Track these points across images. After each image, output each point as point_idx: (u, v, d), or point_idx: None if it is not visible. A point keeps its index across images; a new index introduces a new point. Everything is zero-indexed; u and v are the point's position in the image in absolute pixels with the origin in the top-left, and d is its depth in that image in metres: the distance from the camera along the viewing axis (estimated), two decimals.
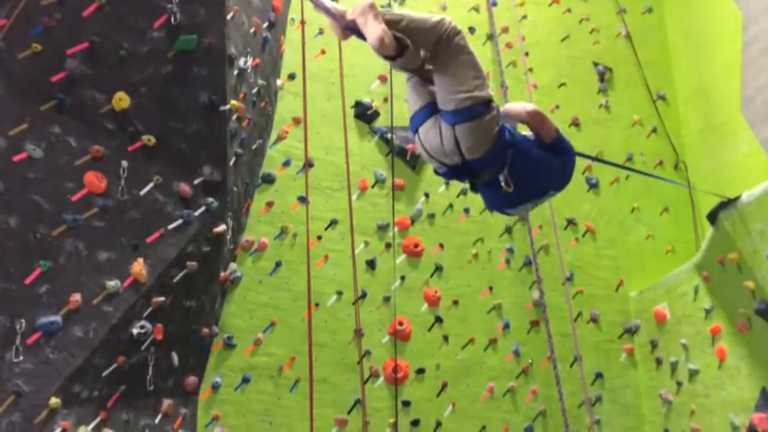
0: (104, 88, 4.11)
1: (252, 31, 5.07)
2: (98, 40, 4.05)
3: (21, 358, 3.59)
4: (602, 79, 7.57)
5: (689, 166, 7.46)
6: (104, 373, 3.94)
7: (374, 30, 2.62)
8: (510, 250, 6.43)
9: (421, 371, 5.70)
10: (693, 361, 6.05)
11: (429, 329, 5.87)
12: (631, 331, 6.68)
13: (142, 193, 4.26)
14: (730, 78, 6.81)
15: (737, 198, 5.42)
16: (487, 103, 2.73)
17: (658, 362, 6.40)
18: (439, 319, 5.92)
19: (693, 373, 6.02)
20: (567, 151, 3.12)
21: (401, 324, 5.70)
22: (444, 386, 5.77)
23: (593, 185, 7.06)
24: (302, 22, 5.99)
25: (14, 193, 3.71)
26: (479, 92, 2.70)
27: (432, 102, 2.82)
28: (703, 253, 6.01)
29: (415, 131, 2.90)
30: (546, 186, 3.11)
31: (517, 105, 3.11)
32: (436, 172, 3.03)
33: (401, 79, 6.43)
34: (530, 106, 3.04)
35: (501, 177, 2.87)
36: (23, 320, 3.63)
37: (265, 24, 5.40)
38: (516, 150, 2.86)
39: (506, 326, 6.17)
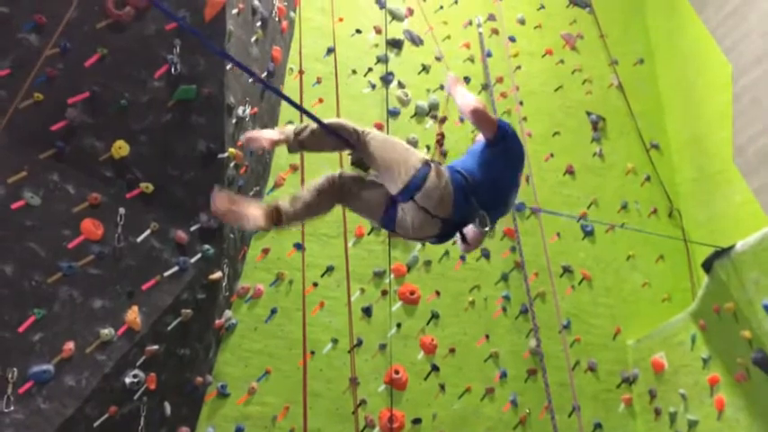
0: (104, 136, 4.17)
1: (250, 80, 5.16)
2: (99, 90, 4.13)
3: (12, 408, 3.54)
4: (595, 128, 7.68)
5: (683, 214, 7.50)
6: (95, 424, 3.87)
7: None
8: (506, 298, 6.41)
9: (417, 421, 5.62)
10: (692, 411, 5.97)
11: (425, 378, 5.81)
12: (629, 381, 6.61)
13: (139, 240, 4.27)
14: (722, 128, 6.92)
15: (732, 247, 5.45)
16: (423, 165, 2.90)
17: (657, 412, 6.32)
18: (435, 368, 5.86)
19: (693, 424, 5.94)
20: (506, 133, 3.15)
21: (397, 372, 5.64)
22: None
23: (588, 233, 7.09)
24: (300, 72, 6.11)
25: (11, 240, 3.72)
26: (409, 164, 2.89)
27: (387, 198, 3.01)
28: (699, 302, 6.00)
29: (394, 230, 3.07)
30: (512, 183, 3.20)
31: (463, 99, 3.19)
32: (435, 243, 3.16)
33: (399, 125, 6.52)
34: (472, 105, 3.11)
35: (477, 220, 2.98)
36: (15, 369, 3.59)
37: (264, 74, 5.50)
38: (475, 188, 2.97)
39: (503, 375, 6.11)
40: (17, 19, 3.89)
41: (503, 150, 3.11)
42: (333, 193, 3.04)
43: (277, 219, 2.91)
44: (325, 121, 2.97)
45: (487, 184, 3.01)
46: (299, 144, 3.08)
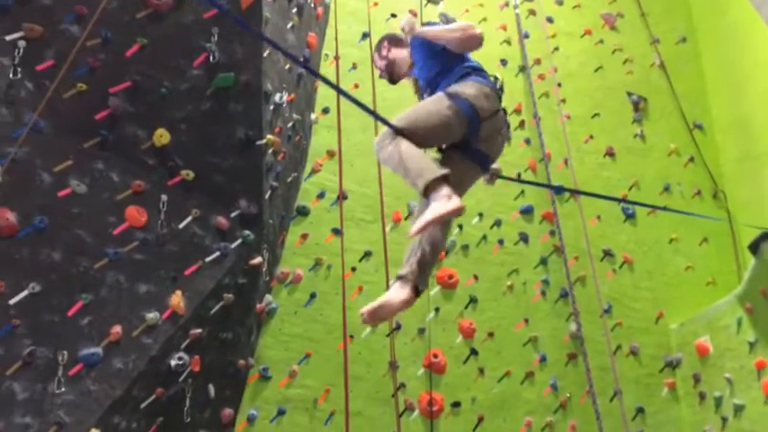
0: (146, 125, 4.24)
1: (287, 67, 5.19)
2: (140, 79, 4.20)
3: (62, 389, 3.65)
4: (636, 109, 7.52)
5: (728, 196, 7.32)
6: (143, 405, 3.98)
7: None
8: (545, 282, 6.35)
9: (456, 404, 5.63)
10: (738, 396, 5.86)
11: (464, 362, 5.81)
12: (673, 365, 6.50)
13: (181, 226, 4.34)
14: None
15: None
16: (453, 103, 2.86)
17: (702, 397, 6.21)
18: (474, 352, 5.85)
19: (739, 409, 5.82)
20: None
21: (436, 356, 5.65)
22: (480, 420, 5.68)
23: (629, 216, 6.97)
24: (336, 58, 6.11)
25: (59, 227, 3.82)
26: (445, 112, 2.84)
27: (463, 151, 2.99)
28: (745, 284, 5.86)
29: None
30: None
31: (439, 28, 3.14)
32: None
33: None
34: (460, 32, 3.08)
35: None
36: (65, 352, 3.70)
37: (300, 60, 5.52)
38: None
39: (543, 359, 6.07)
40: (59, 10, 3.98)
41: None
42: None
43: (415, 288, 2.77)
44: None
45: None
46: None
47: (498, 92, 3.05)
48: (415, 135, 2.73)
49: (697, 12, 8.27)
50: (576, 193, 4.54)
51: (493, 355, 5.93)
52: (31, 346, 3.61)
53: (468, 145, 2.96)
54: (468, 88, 2.92)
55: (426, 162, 2.64)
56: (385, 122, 2.80)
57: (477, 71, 3.07)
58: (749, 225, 6.21)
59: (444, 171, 2.57)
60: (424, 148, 2.77)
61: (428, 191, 2.55)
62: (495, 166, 3.32)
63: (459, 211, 2.51)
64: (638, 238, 6.94)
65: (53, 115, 3.89)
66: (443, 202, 2.50)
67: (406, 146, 2.70)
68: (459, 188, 2.90)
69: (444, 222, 2.82)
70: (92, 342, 3.82)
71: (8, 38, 3.80)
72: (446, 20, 3.22)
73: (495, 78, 3.09)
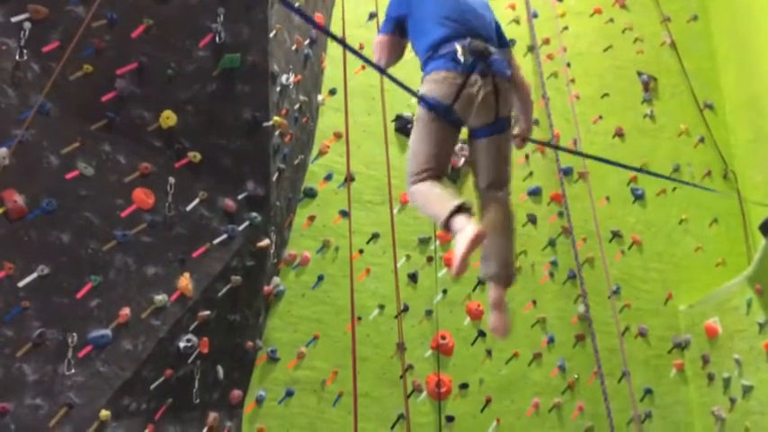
0: (152, 107, 4.23)
1: (294, 48, 5.15)
2: (146, 60, 4.17)
3: (72, 371, 3.68)
4: (646, 89, 7.44)
5: (738, 177, 7.25)
6: (152, 386, 4.01)
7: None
8: (553, 263, 6.33)
9: (464, 386, 5.64)
10: (747, 377, 5.84)
11: (472, 344, 5.82)
12: (681, 346, 6.49)
13: (188, 208, 4.34)
14: None
15: None
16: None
17: (710, 378, 6.20)
18: (482, 333, 5.85)
19: (747, 390, 5.81)
20: None
21: (444, 338, 5.66)
22: (488, 402, 5.70)
23: (638, 197, 6.93)
24: (343, 38, 6.05)
25: (67, 209, 3.83)
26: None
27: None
28: (756, 265, 5.82)
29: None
30: None
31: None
32: None
33: None
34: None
35: None
36: (75, 334, 3.72)
37: (307, 41, 5.48)
38: None
39: (551, 340, 6.07)
40: None
41: None
42: None
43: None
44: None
45: None
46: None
47: (459, 61, 2.94)
48: (428, 166, 2.91)
49: None
50: (598, 159, 4.52)
51: None
52: (40, 328, 3.63)
53: (467, 127, 3.04)
54: (424, 86, 3.01)
55: (440, 199, 2.75)
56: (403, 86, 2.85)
57: (433, 57, 3.02)
58: (759, 203, 6.16)
59: (456, 203, 2.65)
60: (446, 166, 2.97)
61: (448, 227, 2.67)
62: (517, 130, 3.35)
63: (478, 239, 2.57)
64: (648, 220, 6.90)
65: (60, 97, 3.87)
66: (460, 236, 2.59)
67: (420, 188, 2.90)
68: (490, 167, 3.05)
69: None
70: (101, 324, 3.84)
71: (14, 19, 3.77)
72: None
73: (456, 51, 2.97)
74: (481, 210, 3.06)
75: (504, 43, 3.27)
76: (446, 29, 3.03)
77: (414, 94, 3.03)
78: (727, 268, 6.80)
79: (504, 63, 3.06)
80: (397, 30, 3.26)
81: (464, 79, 2.90)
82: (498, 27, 3.29)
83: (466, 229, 2.58)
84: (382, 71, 3.13)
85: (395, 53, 3.35)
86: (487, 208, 3.05)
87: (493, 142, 3.06)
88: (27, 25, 3.81)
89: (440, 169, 2.95)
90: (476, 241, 2.57)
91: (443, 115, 2.94)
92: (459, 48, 2.93)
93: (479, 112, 2.96)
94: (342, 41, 2.92)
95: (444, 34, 3.02)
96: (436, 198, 2.80)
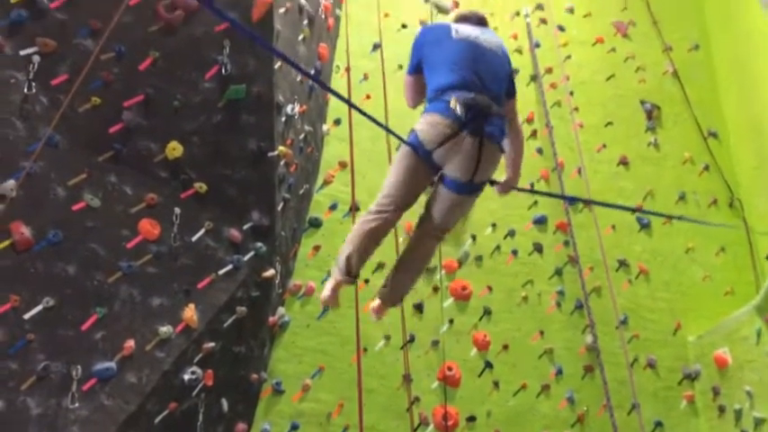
0: (158, 138, 4.24)
1: (299, 79, 5.18)
2: (153, 92, 4.20)
3: (77, 405, 3.62)
4: (649, 117, 7.47)
5: (744, 205, 7.23)
6: (156, 420, 3.94)
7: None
8: (560, 293, 6.29)
9: (472, 419, 5.56)
10: (759, 409, 5.75)
11: (479, 375, 5.75)
12: (691, 377, 6.40)
13: (194, 239, 4.33)
14: None
15: None
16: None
17: (721, 410, 6.10)
18: (489, 365, 5.79)
19: (759, 422, 5.72)
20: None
21: (450, 369, 5.59)
22: None
23: (644, 225, 6.91)
24: (347, 69, 6.11)
25: (73, 241, 3.81)
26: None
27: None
28: (764, 294, 5.78)
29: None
30: None
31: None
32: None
33: None
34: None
35: None
36: (79, 367, 3.67)
37: (312, 71, 5.52)
38: None
39: (559, 371, 5.99)
40: (73, 25, 3.99)
41: None
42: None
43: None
44: None
45: None
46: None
47: (453, 115, 2.97)
48: (391, 198, 3.12)
49: (709, 19, 8.22)
50: (589, 203, 4.59)
51: (508, 368, 5.86)
52: (45, 360, 3.59)
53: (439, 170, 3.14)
54: (418, 123, 3.10)
55: (344, 263, 3.18)
56: (395, 135, 2.93)
57: (437, 99, 3.07)
58: (765, 233, 6.13)
59: (340, 278, 3.22)
60: (409, 200, 3.17)
61: (332, 274, 3.28)
62: (504, 178, 3.46)
63: (323, 300, 3.40)
64: (654, 248, 6.87)
65: (68, 129, 3.89)
66: (326, 286, 3.39)
67: (365, 220, 3.19)
68: (443, 217, 3.27)
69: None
70: (105, 356, 3.79)
71: (22, 53, 3.81)
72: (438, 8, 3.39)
73: (454, 101, 3.00)
74: (411, 243, 3.38)
75: (511, 94, 3.33)
76: (455, 76, 3.06)
77: (396, 136, 3.15)
78: (736, 297, 6.74)
79: (502, 128, 3.09)
80: (420, 70, 3.32)
81: (455, 131, 2.94)
82: (511, 77, 3.36)
83: (326, 289, 3.35)
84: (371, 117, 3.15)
85: (420, 92, 3.40)
86: (416, 244, 3.37)
87: (456, 199, 3.18)
88: (36, 58, 3.84)
89: (401, 203, 3.14)
90: (329, 300, 3.35)
91: (421, 157, 3.03)
92: (454, 101, 2.97)
93: (456, 167, 3.02)
94: (340, 95, 2.98)
95: (452, 81, 3.05)
96: (348, 252, 3.16)
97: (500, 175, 3.37)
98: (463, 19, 3.48)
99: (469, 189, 3.13)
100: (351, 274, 3.16)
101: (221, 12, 2.41)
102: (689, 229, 6.97)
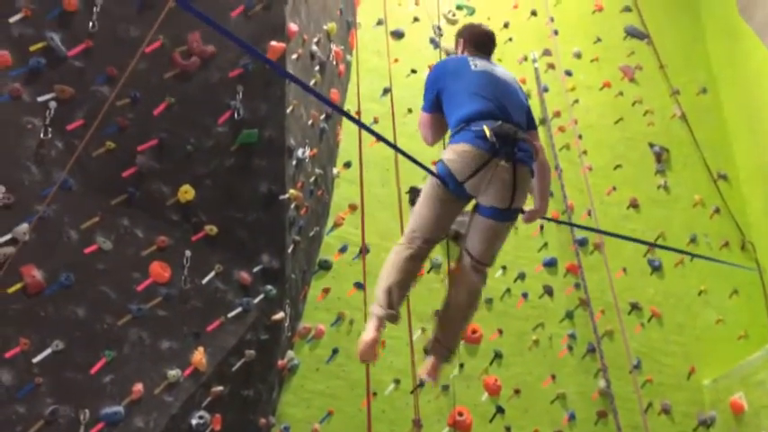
0: (171, 181, 4.29)
1: (310, 122, 5.26)
2: (167, 137, 4.26)
3: None
4: (659, 160, 7.50)
5: (756, 247, 7.19)
6: None
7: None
8: (572, 336, 6.22)
9: None
10: None
11: (490, 420, 5.65)
12: (707, 423, 6.27)
13: (204, 281, 4.34)
14: None
15: None
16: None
17: None
18: (500, 410, 5.70)
19: None
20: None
21: (461, 414, 5.51)
22: None
23: (656, 268, 6.86)
24: (358, 113, 6.19)
25: (84, 284, 3.83)
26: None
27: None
28: None
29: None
30: None
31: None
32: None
33: None
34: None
35: None
36: (87, 411, 3.65)
37: (322, 116, 5.60)
38: None
39: (572, 417, 5.89)
40: (90, 72, 4.08)
41: None
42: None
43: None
44: None
45: None
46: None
47: (483, 144, 3.00)
48: (422, 230, 3.10)
49: (716, 62, 8.32)
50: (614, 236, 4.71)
51: (520, 413, 5.76)
52: (53, 404, 3.57)
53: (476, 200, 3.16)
54: (446, 153, 3.11)
55: (384, 296, 3.05)
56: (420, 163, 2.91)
57: (464, 129, 3.09)
58: None
59: (383, 314, 3.03)
60: (439, 233, 3.17)
61: (372, 310, 3.05)
62: (531, 208, 3.44)
63: (361, 349, 3.07)
64: (666, 291, 6.81)
65: (82, 174, 3.94)
66: (363, 336, 3.08)
67: (398, 251, 3.15)
68: (483, 246, 3.18)
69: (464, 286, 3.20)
70: (113, 400, 3.77)
71: (40, 99, 3.89)
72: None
73: (487, 130, 3.02)
74: (455, 277, 3.21)
75: (532, 126, 3.35)
76: (480, 104, 3.10)
77: (425, 168, 3.11)
78: (750, 341, 6.66)
79: (530, 153, 3.11)
80: (437, 107, 3.35)
81: (486, 159, 2.95)
82: (529, 110, 3.40)
83: (368, 330, 3.06)
84: (394, 146, 3.19)
85: (439, 129, 3.45)
86: (461, 282, 3.20)
87: (495, 227, 3.15)
88: (53, 104, 3.92)
89: (432, 234, 3.11)
90: (371, 343, 3.06)
91: (451, 189, 3.01)
92: (486, 129, 2.97)
93: (493, 195, 3.01)
94: (356, 120, 3.01)
95: (478, 109, 3.09)
96: (388, 284, 3.07)
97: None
98: (476, 37, 3.58)
99: (508, 216, 3.12)
100: (392, 307, 3.03)
101: (245, 43, 2.45)
102: (701, 271, 6.92)
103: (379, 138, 2.97)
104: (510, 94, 3.27)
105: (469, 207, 3.31)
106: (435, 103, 3.36)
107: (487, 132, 2.96)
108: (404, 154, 3.01)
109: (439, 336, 3.24)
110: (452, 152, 3.04)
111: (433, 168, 3.17)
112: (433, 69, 3.47)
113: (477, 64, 3.34)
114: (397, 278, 3.04)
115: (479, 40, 3.60)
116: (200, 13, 2.11)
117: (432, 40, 7.09)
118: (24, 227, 3.62)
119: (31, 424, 3.49)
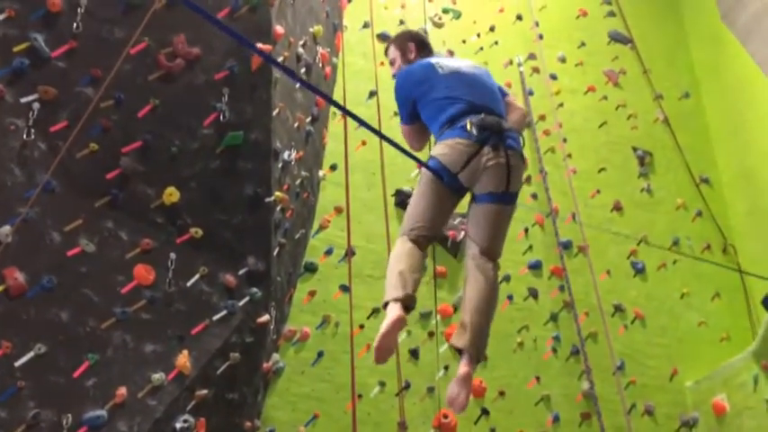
0: (156, 184, 4.26)
1: (296, 125, 5.25)
2: (151, 139, 4.24)
3: None
4: (642, 164, 7.56)
5: (738, 250, 7.27)
6: None
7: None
8: (556, 338, 6.26)
9: None
10: None
11: (475, 422, 5.67)
12: (689, 424, 6.32)
13: (189, 284, 4.31)
14: None
15: None
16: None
17: None
18: (485, 412, 5.72)
19: None
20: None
21: (446, 417, 5.52)
22: None
23: (639, 270, 6.92)
24: (343, 116, 6.19)
25: (67, 286, 3.80)
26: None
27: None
28: (761, 340, 5.75)
29: None
30: None
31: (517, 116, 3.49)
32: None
33: None
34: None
35: None
36: (70, 415, 3.62)
37: (308, 119, 5.60)
38: None
39: (556, 418, 5.92)
40: (74, 73, 4.05)
41: None
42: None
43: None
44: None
45: None
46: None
47: (471, 135, 3.05)
48: (420, 224, 3.02)
49: (699, 67, 8.40)
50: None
51: (504, 415, 5.79)
52: (35, 408, 3.54)
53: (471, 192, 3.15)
54: (436, 148, 3.14)
55: (399, 274, 2.82)
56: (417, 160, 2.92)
57: (449, 128, 3.14)
58: (760, 276, 6.13)
59: (401, 294, 2.74)
60: (438, 227, 3.12)
61: (384, 305, 2.78)
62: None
63: (399, 322, 2.68)
64: (649, 293, 6.87)
65: (65, 175, 3.91)
66: (384, 322, 2.68)
67: (400, 245, 2.98)
68: (487, 234, 3.10)
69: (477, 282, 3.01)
70: (96, 404, 3.74)
71: (23, 100, 3.86)
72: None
73: (469, 124, 3.09)
74: (467, 280, 3.08)
75: (504, 94, 3.50)
76: (460, 105, 3.17)
77: (417, 160, 3.15)
78: (732, 343, 6.72)
79: (517, 140, 3.18)
80: (415, 117, 3.40)
81: (476, 149, 3.01)
82: (500, 88, 3.53)
83: (386, 320, 2.67)
84: (389, 140, 3.15)
85: (422, 135, 3.52)
86: (475, 280, 3.03)
87: (495, 210, 3.12)
88: (36, 106, 3.89)
89: (431, 228, 3.05)
90: (396, 324, 2.66)
91: (446, 181, 3.04)
92: (469, 123, 3.05)
93: (488, 182, 3.04)
94: (346, 110, 2.99)
95: (459, 110, 3.15)
96: (398, 269, 2.86)
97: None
98: (421, 39, 3.72)
99: (507, 199, 3.13)
100: (408, 289, 2.76)
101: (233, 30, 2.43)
102: (684, 275, 6.99)
103: (375, 132, 2.96)
104: (482, 87, 3.33)
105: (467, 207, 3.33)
106: (413, 114, 3.42)
107: (469, 125, 3.05)
108: (397, 147, 2.99)
109: (469, 332, 2.97)
110: (443, 146, 3.08)
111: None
112: (400, 81, 3.49)
113: (443, 66, 3.38)
114: (406, 263, 2.88)
115: (424, 41, 3.74)
116: (198, 7, 2.08)
117: None
118: (7, 229, 3.58)
119: (13, 428, 3.45)
